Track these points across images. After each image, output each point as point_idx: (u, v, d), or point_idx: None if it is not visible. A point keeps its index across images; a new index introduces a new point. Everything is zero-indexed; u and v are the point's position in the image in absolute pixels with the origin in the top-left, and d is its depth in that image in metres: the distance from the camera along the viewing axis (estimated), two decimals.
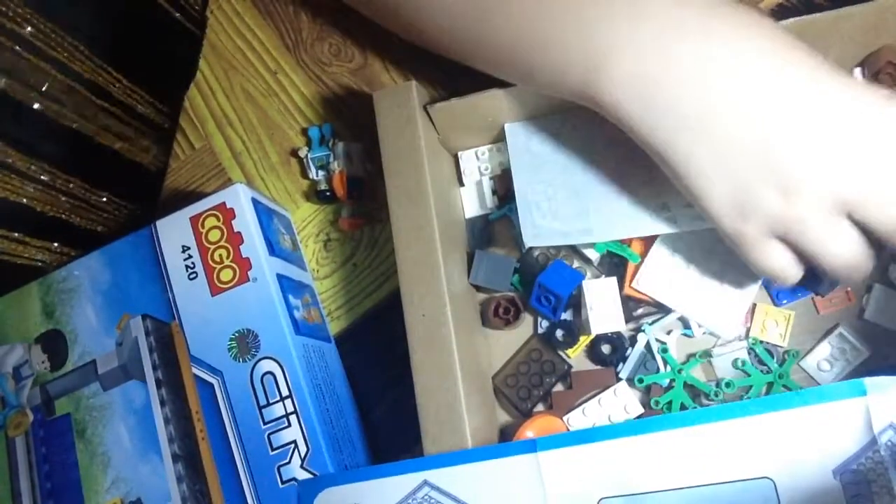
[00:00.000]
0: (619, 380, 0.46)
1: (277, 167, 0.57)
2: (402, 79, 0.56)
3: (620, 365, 0.46)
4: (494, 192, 0.50)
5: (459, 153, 0.50)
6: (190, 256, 0.49)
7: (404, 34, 0.50)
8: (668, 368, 0.45)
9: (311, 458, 0.44)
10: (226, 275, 0.48)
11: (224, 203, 0.49)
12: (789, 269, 0.37)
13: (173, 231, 0.49)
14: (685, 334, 0.46)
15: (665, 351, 0.45)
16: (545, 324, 0.48)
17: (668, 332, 0.46)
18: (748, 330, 0.45)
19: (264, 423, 0.45)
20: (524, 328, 0.48)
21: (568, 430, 0.44)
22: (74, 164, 0.63)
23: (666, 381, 0.45)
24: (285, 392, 0.45)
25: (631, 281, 0.45)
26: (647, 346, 0.45)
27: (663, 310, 0.46)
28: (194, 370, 0.47)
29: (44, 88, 0.58)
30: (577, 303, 0.46)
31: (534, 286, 0.45)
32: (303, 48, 0.59)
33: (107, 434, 0.49)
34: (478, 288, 0.49)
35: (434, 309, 0.42)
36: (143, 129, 0.69)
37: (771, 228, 0.35)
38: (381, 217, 0.54)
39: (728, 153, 0.35)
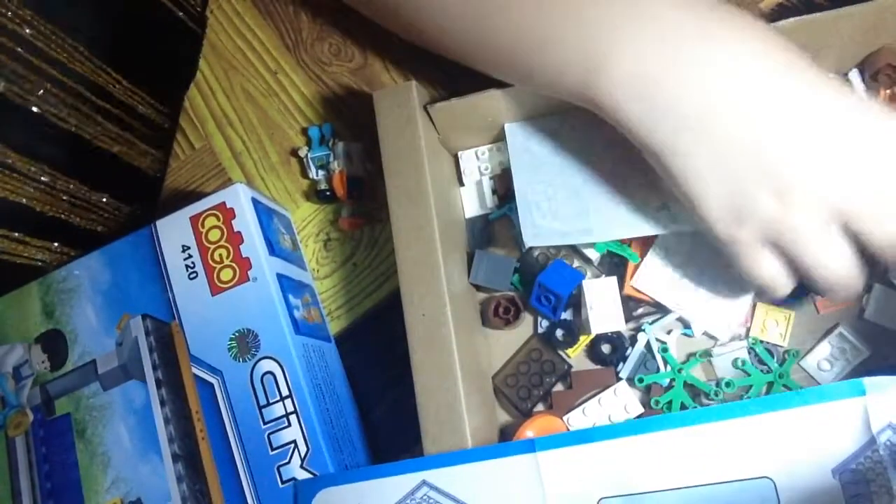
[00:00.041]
0: (619, 379, 0.46)
1: (277, 167, 0.57)
2: (402, 79, 0.56)
3: (620, 364, 0.46)
4: (494, 192, 0.50)
5: (459, 153, 0.50)
6: (190, 256, 0.49)
7: (404, 34, 0.50)
8: (668, 368, 0.45)
9: (310, 457, 0.44)
10: (226, 274, 0.48)
11: (224, 203, 0.49)
12: (780, 280, 0.37)
13: (173, 231, 0.49)
14: (685, 334, 0.46)
15: (665, 350, 0.45)
16: (545, 323, 0.48)
17: (669, 332, 0.46)
18: (748, 329, 0.45)
19: (264, 423, 0.45)
20: (524, 328, 0.48)
21: (568, 429, 0.44)
22: (74, 167, 0.63)
23: (666, 381, 0.45)
24: (285, 392, 0.45)
25: (630, 280, 0.45)
26: (647, 345, 0.46)
27: (663, 309, 0.46)
28: (194, 370, 0.47)
29: (43, 91, 0.58)
30: (577, 302, 0.46)
31: (534, 286, 0.45)
32: (303, 48, 0.59)
33: (107, 434, 0.49)
34: (478, 288, 0.49)
35: (434, 309, 0.42)
36: (143, 131, 0.69)
37: (764, 234, 0.35)
38: (381, 217, 0.54)
39: (726, 155, 0.35)
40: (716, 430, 0.36)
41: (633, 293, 0.45)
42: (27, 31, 0.56)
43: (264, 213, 0.50)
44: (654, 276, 0.45)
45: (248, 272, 0.47)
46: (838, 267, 0.35)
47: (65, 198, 0.63)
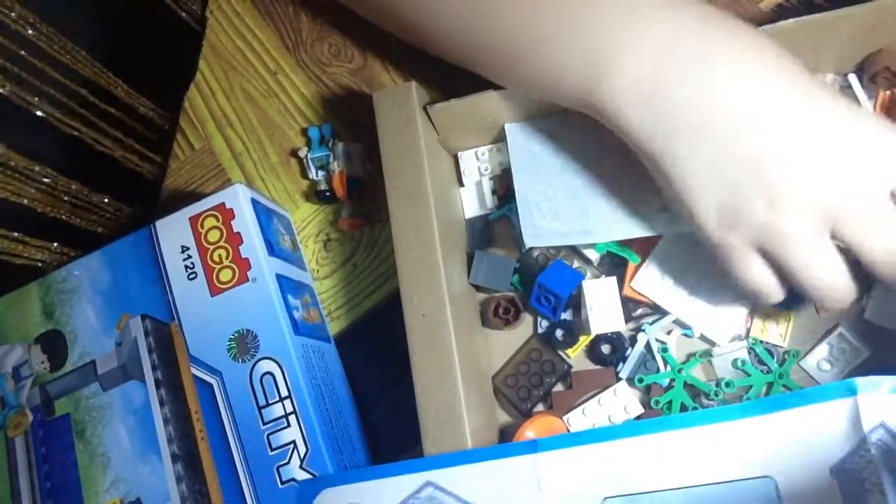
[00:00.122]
0: (619, 380, 0.46)
1: (277, 167, 0.57)
2: (401, 79, 0.57)
3: (620, 365, 0.46)
4: (494, 193, 0.50)
5: (459, 153, 0.50)
6: (189, 257, 0.49)
7: (402, 35, 0.50)
8: (668, 368, 0.45)
9: (310, 458, 0.44)
10: (225, 275, 0.48)
11: (223, 203, 0.49)
12: (771, 286, 0.37)
13: (173, 231, 0.49)
14: (685, 334, 0.46)
15: (665, 351, 0.45)
16: (545, 324, 0.48)
17: (668, 332, 0.46)
18: (748, 330, 0.45)
19: (263, 424, 0.45)
20: (524, 328, 0.48)
21: (568, 430, 0.44)
22: (75, 169, 0.63)
23: (666, 381, 0.45)
24: (284, 392, 0.45)
25: (630, 281, 0.45)
26: (647, 345, 0.45)
27: (663, 310, 0.46)
28: (193, 370, 0.47)
29: (45, 94, 0.58)
30: (576, 303, 0.46)
31: (534, 286, 0.45)
32: (303, 48, 0.59)
33: (106, 434, 0.49)
34: (478, 288, 0.49)
35: (434, 309, 0.42)
36: (144, 133, 0.69)
37: (755, 239, 0.35)
38: (381, 217, 0.54)
39: (721, 161, 0.35)
40: (716, 430, 0.36)
41: (632, 294, 0.45)
42: (30, 32, 0.56)
43: (264, 214, 0.50)
44: (654, 278, 0.45)
45: (248, 273, 0.47)
46: (828, 275, 0.35)
47: (66, 199, 0.63)
